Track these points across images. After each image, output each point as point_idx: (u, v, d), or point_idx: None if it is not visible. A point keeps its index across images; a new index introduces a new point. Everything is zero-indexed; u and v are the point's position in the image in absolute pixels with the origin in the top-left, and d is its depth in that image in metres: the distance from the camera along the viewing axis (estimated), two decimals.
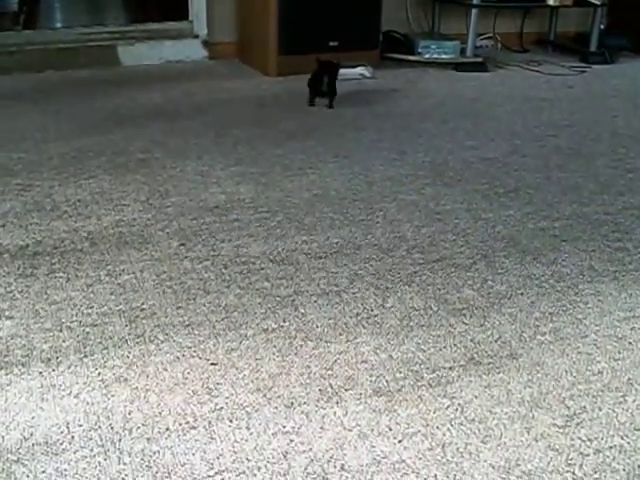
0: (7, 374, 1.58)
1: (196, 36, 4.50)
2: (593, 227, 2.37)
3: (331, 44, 4.13)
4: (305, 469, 1.33)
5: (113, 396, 1.51)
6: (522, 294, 1.94)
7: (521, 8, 4.92)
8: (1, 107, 3.53)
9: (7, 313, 1.80)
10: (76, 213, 2.35)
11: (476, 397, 1.53)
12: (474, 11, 4.47)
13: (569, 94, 4.06)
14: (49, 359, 1.63)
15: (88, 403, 1.49)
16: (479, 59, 4.51)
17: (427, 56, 4.49)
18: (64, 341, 1.69)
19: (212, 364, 1.62)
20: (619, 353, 1.71)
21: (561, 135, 3.30)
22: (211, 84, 3.99)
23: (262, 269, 2.02)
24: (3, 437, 1.40)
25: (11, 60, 4.13)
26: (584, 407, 1.51)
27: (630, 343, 1.75)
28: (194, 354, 1.65)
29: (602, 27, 4.89)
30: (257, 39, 4.24)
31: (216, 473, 1.32)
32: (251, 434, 1.42)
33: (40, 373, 1.58)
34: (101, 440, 1.40)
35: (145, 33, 4.47)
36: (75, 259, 2.06)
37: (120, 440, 1.40)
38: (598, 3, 4.70)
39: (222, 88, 3.92)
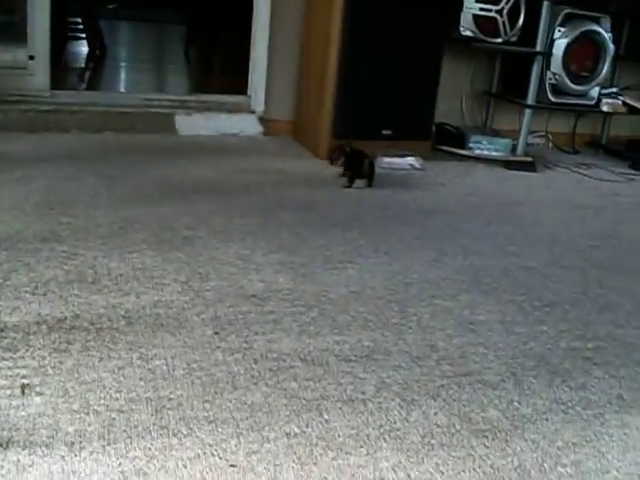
0: (30, 454, 1.61)
1: (253, 111, 4.60)
2: (626, 351, 2.36)
3: (384, 132, 4.20)
4: None
5: None
6: (547, 419, 1.94)
7: (576, 111, 4.96)
8: (57, 167, 3.63)
9: (38, 389, 1.84)
10: (116, 288, 2.40)
11: None
12: (528, 111, 4.52)
13: (616, 203, 4.07)
14: (73, 443, 1.66)
15: None
16: (529, 159, 4.54)
17: (477, 152, 4.53)
18: (89, 425, 1.72)
19: (231, 466, 1.63)
20: None
21: (603, 247, 3.31)
22: (262, 162, 4.07)
23: (291, 367, 2.04)
24: None
25: (71, 119, 4.26)
26: None
27: None
28: (215, 453, 1.67)
29: None
30: (311, 120, 4.33)
31: None
32: None
33: (62, 457, 1.60)
34: None
35: (204, 104, 4.60)
36: (110, 338, 2.10)
37: None
38: None
39: (272, 167, 3.99)
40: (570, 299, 2.70)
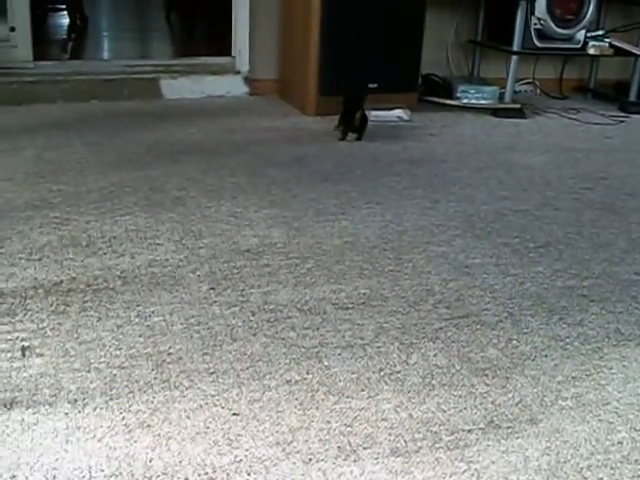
0: (34, 413, 1.62)
1: (238, 72, 4.57)
2: (622, 287, 2.37)
3: (370, 86, 4.17)
4: None
5: (135, 442, 1.54)
6: (546, 356, 1.95)
7: (561, 55, 4.93)
8: (45, 137, 3.61)
9: (38, 350, 1.84)
10: (111, 250, 2.40)
11: (493, 463, 1.54)
12: (514, 58, 4.50)
13: (606, 145, 4.06)
14: (76, 400, 1.67)
15: (111, 448, 1.52)
16: (517, 105, 4.53)
17: (465, 101, 4.51)
18: (91, 382, 1.73)
19: (234, 414, 1.64)
20: None
21: (595, 188, 3.30)
22: (250, 121, 4.05)
23: (289, 318, 2.05)
24: (27, 478, 1.43)
25: (56, 89, 4.23)
26: (601, 479, 1.52)
27: None
28: (217, 403, 1.68)
29: None
30: (297, 78, 4.31)
31: None
32: None
33: (66, 414, 1.62)
34: None
35: (188, 67, 4.56)
36: (107, 298, 2.11)
37: None
38: (639, 53, 4.70)
39: (260, 126, 3.98)
40: (564, 239, 2.71)
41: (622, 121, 4.56)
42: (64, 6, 6.70)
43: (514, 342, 2.00)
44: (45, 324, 1.96)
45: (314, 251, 2.47)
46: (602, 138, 4.19)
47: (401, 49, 4.26)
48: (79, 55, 5.68)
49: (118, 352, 1.85)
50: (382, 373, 1.82)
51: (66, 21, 6.65)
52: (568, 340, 2.03)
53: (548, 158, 3.72)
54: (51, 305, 2.05)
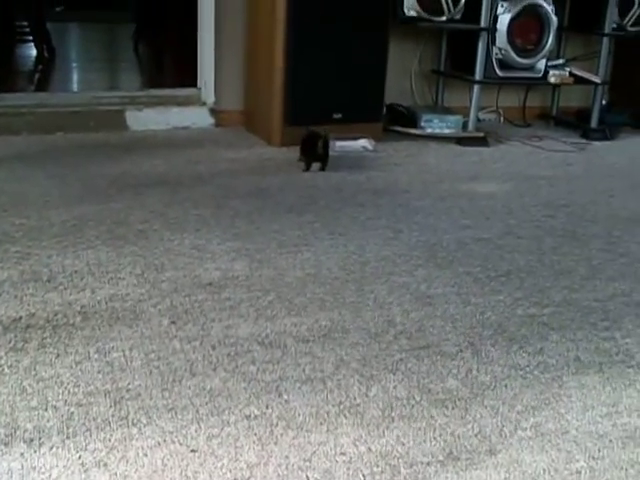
0: None
1: (203, 103, 4.58)
2: (582, 315, 2.39)
3: (335, 116, 4.20)
4: None
5: None
6: (506, 385, 1.96)
7: (523, 84, 5.00)
8: (7, 169, 3.59)
9: None
10: (71, 285, 2.39)
11: None
12: (476, 87, 4.55)
13: (568, 172, 4.11)
14: (32, 439, 1.65)
15: None
16: (480, 134, 4.58)
17: (429, 130, 4.55)
18: (48, 421, 1.71)
19: (192, 451, 1.64)
20: (599, 452, 1.72)
21: (557, 215, 3.34)
22: (215, 153, 4.06)
23: (249, 352, 2.04)
24: None
25: (21, 121, 4.21)
26: None
27: (610, 441, 1.76)
28: (175, 440, 1.67)
29: (604, 103, 4.98)
30: (262, 109, 4.32)
31: None
32: None
33: (22, 454, 1.60)
34: None
35: (154, 99, 4.57)
36: (66, 334, 2.09)
37: None
38: (598, 82, 4.78)
39: (225, 157, 3.99)
40: (526, 267, 2.73)
41: (583, 148, 4.62)
42: (31, 38, 6.70)
43: (474, 372, 2.01)
44: (3, 361, 1.94)
45: (276, 283, 2.48)
46: (564, 165, 4.24)
47: (365, 79, 4.29)
48: (45, 87, 5.67)
49: (76, 389, 1.84)
50: (342, 406, 1.82)
51: (33, 52, 6.65)
52: (528, 369, 2.05)
53: (511, 186, 3.76)
54: (9, 342, 2.04)
